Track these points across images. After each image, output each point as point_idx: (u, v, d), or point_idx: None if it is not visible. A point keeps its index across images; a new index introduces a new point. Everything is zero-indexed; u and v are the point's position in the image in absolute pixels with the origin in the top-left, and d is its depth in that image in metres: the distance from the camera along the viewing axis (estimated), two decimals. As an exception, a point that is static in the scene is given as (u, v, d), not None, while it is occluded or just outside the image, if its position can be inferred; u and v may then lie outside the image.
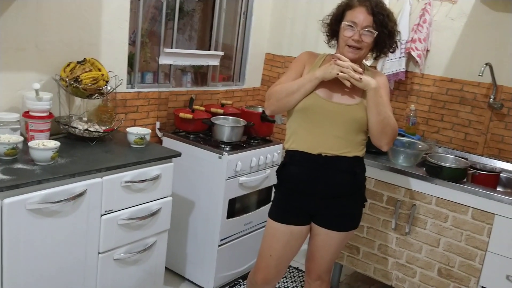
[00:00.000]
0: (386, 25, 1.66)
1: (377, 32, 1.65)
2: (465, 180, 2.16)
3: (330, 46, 1.83)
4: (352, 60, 1.68)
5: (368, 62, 2.55)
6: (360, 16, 1.64)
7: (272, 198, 1.90)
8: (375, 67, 2.71)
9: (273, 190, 1.89)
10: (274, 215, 1.82)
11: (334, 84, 1.70)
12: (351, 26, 1.65)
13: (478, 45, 2.51)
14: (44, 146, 1.67)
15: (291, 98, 1.71)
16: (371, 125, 1.69)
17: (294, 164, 1.76)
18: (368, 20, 1.64)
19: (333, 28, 1.76)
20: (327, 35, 1.81)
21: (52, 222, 1.62)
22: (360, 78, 1.63)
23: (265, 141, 2.66)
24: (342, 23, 1.68)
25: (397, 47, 1.77)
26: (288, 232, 1.79)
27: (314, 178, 1.73)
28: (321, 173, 1.72)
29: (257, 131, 2.65)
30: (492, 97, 2.45)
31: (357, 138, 1.74)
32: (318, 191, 1.74)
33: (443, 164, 2.15)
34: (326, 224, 1.78)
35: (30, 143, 1.67)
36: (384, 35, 1.67)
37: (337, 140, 1.71)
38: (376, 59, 1.83)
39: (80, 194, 1.68)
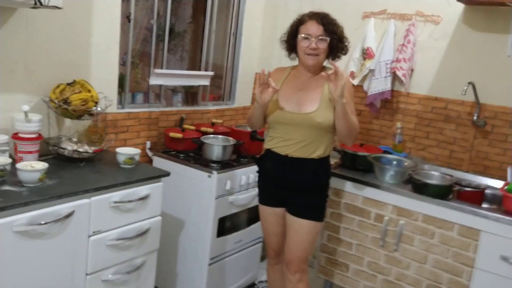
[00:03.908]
0: (335, 32, 1.94)
1: (329, 38, 1.91)
2: (450, 196, 2.18)
3: (291, 59, 2.09)
4: (312, 66, 1.96)
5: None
6: (312, 27, 1.91)
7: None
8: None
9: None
10: (260, 199, 2.18)
11: (295, 94, 1.98)
12: (307, 38, 1.91)
13: (461, 64, 2.57)
14: (32, 167, 1.68)
15: (253, 121, 2.07)
16: (339, 130, 1.94)
17: (268, 160, 2.08)
18: (319, 29, 1.91)
19: (290, 43, 2.02)
20: (286, 50, 2.06)
21: (39, 244, 1.62)
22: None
23: (255, 160, 2.68)
24: (298, 36, 1.94)
25: (348, 49, 2.03)
26: (273, 212, 2.12)
27: (282, 173, 2.02)
28: (287, 170, 2.00)
29: (247, 149, 2.68)
30: (475, 115, 2.50)
31: (322, 139, 1.98)
32: (286, 184, 2.02)
33: (429, 181, 2.18)
34: (294, 212, 2.03)
35: (18, 165, 1.69)
36: (335, 40, 1.94)
37: (302, 144, 1.97)
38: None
39: (68, 216, 1.68)
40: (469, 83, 2.40)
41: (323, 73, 1.82)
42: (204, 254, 2.43)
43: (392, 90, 2.73)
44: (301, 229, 2.02)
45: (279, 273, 2.24)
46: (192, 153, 2.60)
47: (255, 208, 2.66)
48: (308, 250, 2.06)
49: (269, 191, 2.11)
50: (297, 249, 2.04)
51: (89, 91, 2.05)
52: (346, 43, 2.00)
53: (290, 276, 2.08)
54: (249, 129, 2.74)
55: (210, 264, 2.44)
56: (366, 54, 2.76)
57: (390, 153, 2.59)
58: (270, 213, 2.12)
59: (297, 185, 2.00)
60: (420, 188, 2.18)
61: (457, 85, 2.54)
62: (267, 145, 2.08)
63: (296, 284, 2.08)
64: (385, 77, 2.68)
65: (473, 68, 2.53)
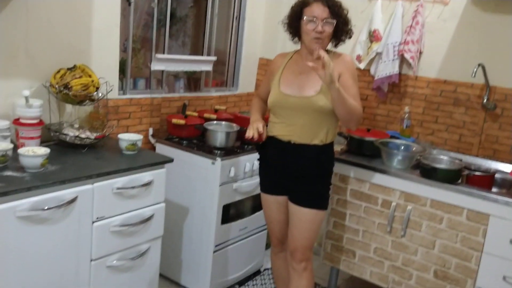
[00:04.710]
0: (341, 14, 1.88)
1: (335, 21, 1.85)
2: (459, 181, 2.15)
3: (294, 43, 2.02)
4: None
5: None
6: (317, 10, 1.84)
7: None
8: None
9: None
10: (262, 187, 2.14)
11: (296, 78, 1.94)
12: (312, 20, 1.83)
13: (471, 46, 2.51)
14: (34, 153, 1.66)
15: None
16: (338, 114, 1.86)
17: (270, 147, 2.03)
18: (325, 12, 1.83)
19: (294, 26, 1.94)
20: (289, 33, 1.99)
21: (42, 229, 1.60)
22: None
23: (256, 147, 2.64)
24: (304, 18, 1.86)
25: (353, 33, 1.96)
26: (275, 200, 2.08)
27: (285, 160, 1.97)
28: (290, 157, 1.96)
29: (251, 135, 2.63)
30: (485, 97, 2.45)
31: (324, 124, 1.92)
32: (288, 172, 1.98)
33: (437, 166, 2.14)
34: (297, 200, 1.99)
35: (20, 150, 1.66)
36: (341, 23, 1.88)
37: (305, 129, 1.92)
38: (336, 46, 1.99)
39: (71, 201, 1.66)
40: (479, 65, 2.34)
41: (309, 63, 1.69)
42: (209, 241, 2.41)
43: (400, 74, 2.68)
44: (304, 217, 1.98)
45: (283, 261, 2.21)
46: (195, 140, 2.57)
47: (260, 196, 2.64)
48: (312, 238, 2.03)
49: (271, 179, 2.07)
50: (301, 237, 2.01)
51: (89, 76, 2.02)
52: (351, 27, 1.93)
53: (295, 265, 2.05)
54: (253, 115, 2.70)
55: (215, 251, 2.43)
56: (373, 37, 2.70)
57: (397, 138, 2.55)
58: (272, 202, 2.09)
59: (299, 173, 1.96)
60: (429, 173, 2.14)
61: (467, 67, 2.48)
62: (268, 131, 2.04)
63: (301, 272, 2.05)
64: (393, 60, 2.62)
65: (483, 49, 2.47)
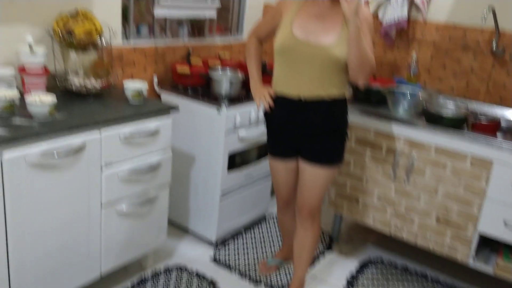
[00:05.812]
0: None
1: None
2: (465, 128, 2.15)
3: None
4: None
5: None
6: None
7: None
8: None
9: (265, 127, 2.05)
10: (270, 150, 2.04)
11: (311, 23, 1.75)
12: None
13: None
14: (41, 101, 1.66)
15: None
16: (350, 59, 1.70)
17: (278, 108, 1.88)
18: None
19: None
20: None
21: (53, 176, 1.64)
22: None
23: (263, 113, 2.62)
24: None
25: None
26: (283, 164, 2.00)
27: (296, 119, 1.84)
28: (301, 115, 1.83)
29: (256, 84, 2.61)
30: (494, 43, 2.39)
31: (336, 78, 1.77)
32: (300, 130, 1.86)
33: (443, 113, 2.13)
34: (310, 158, 1.89)
35: (27, 99, 1.66)
36: None
37: (315, 81, 1.76)
38: None
39: (80, 149, 1.69)
40: (489, 7, 2.27)
41: None
42: (215, 188, 2.46)
43: (408, 19, 2.60)
44: (316, 175, 1.89)
45: (290, 217, 2.19)
46: (201, 88, 2.55)
47: (265, 144, 2.65)
48: (322, 196, 1.97)
49: (281, 142, 1.95)
50: (310, 195, 1.95)
51: (92, 22, 1.97)
52: None
53: (303, 221, 2.02)
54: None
55: (221, 198, 2.49)
56: (382, -21, 2.60)
57: (403, 83, 2.52)
58: (281, 165, 2.01)
59: (312, 130, 1.84)
60: (434, 120, 2.14)
61: (476, 11, 2.40)
62: (275, 86, 1.88)
63: (308, 227, 2.02)
64: (402, 4, 2.54)
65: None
